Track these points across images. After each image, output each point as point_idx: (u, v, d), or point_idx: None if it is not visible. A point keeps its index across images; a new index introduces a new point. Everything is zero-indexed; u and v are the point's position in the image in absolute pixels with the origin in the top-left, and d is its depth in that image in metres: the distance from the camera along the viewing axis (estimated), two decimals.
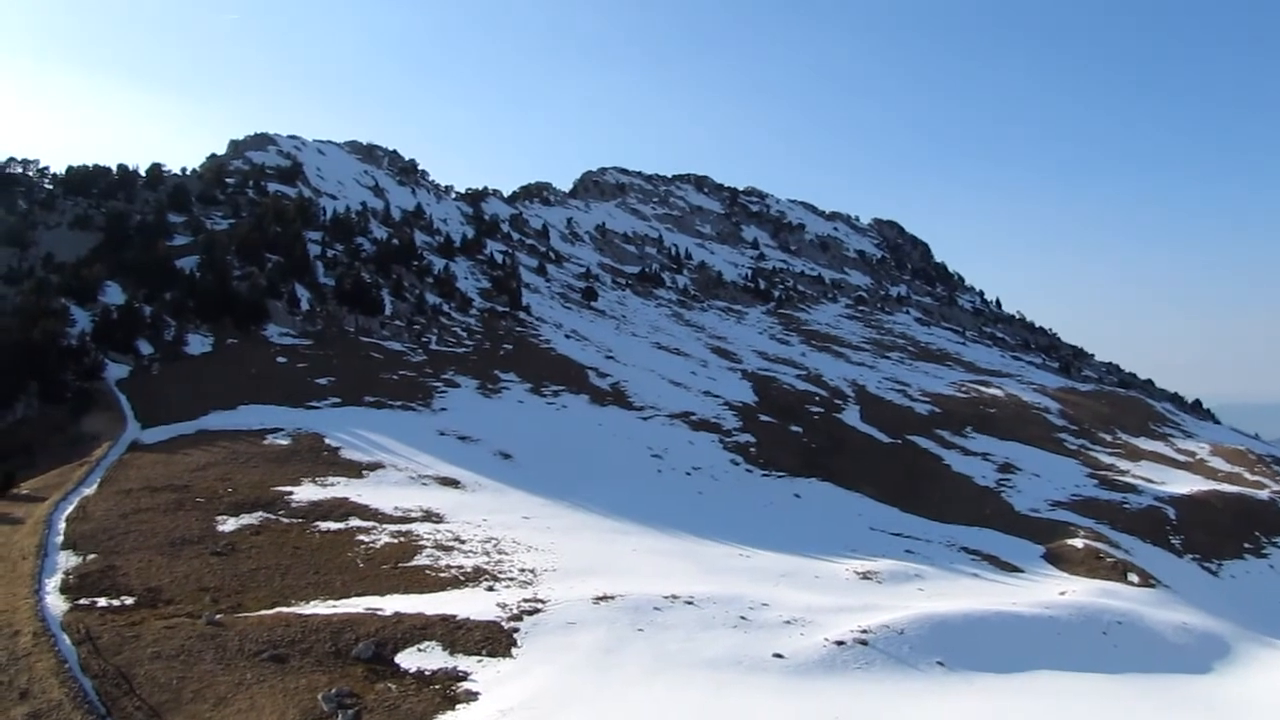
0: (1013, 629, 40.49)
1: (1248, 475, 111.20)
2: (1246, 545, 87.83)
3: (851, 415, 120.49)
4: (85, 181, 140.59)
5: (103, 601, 33.03)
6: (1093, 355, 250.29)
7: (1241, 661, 47.05)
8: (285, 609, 33.19)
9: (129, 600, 33.50)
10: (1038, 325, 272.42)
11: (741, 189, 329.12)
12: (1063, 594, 54.22)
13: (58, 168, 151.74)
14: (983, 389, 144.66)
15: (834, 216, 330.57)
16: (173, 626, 29.86)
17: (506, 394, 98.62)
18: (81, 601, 32.82)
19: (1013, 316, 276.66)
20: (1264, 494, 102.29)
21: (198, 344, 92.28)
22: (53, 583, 34.80)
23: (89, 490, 50.11)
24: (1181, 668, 43.20)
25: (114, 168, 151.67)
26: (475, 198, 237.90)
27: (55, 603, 32.43)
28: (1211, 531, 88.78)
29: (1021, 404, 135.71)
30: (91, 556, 38.40)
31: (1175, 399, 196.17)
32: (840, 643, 33.86)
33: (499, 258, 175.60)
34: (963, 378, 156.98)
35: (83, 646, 27.86)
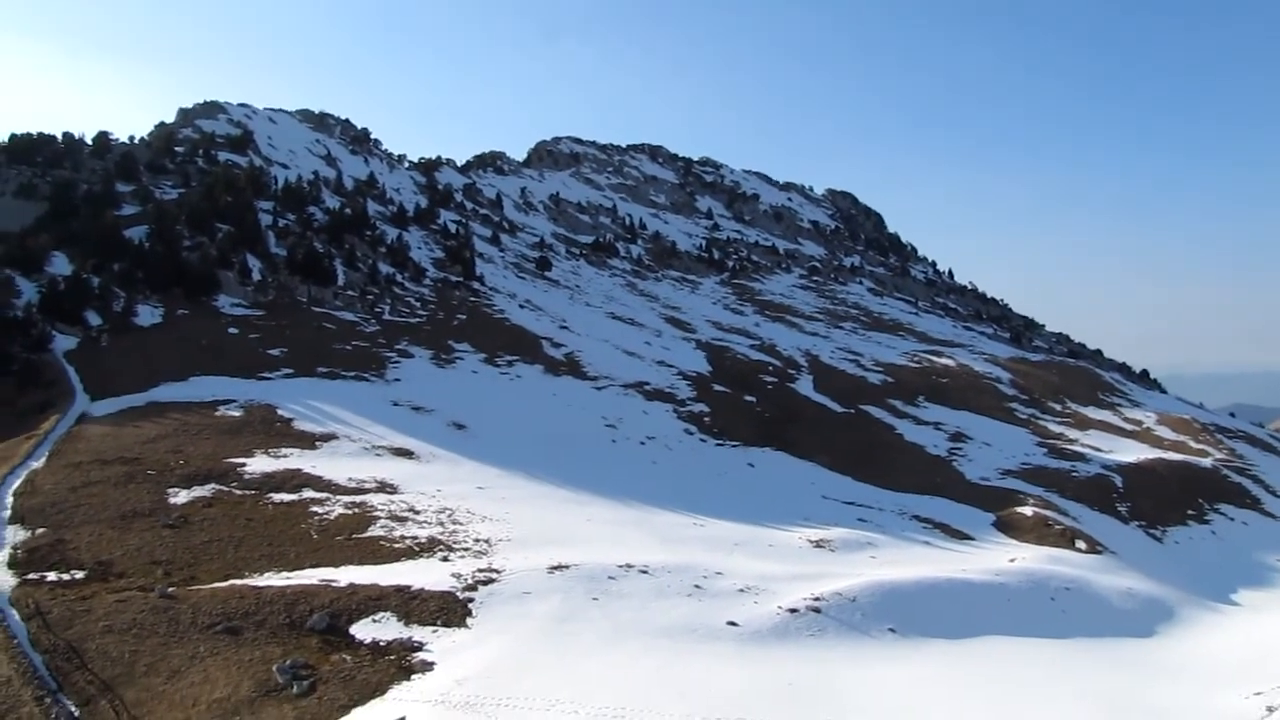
0: (963, 595, 41.17)
1: (1192, 443, 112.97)
2: (1190, 512, 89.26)
3: (805, 385, 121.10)
4: (29, 149, 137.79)
5: (52, 576, 32.78)
6: (1043, 326, 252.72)
7: (1184, 624, 48.18)
8: (238, 581, 33.09)
9: (79, 574, 33.25)
10: (989, 296, 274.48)
11: (696, 159, 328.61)
12: (1012, 561, 55.04)
13: (0, 135, 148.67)
14: (935, 359, 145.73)
15: (788, 187, 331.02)
16: (124, 600, 29.68)
17: (460, 364, 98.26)
18: (30, 576, 32.55)
19: (964, 287, 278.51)
20: (1207, 462, 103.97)
21: (147, 315, 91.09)
22: (0, 557, 34.46)
23: (37, 463, 49.53)
24: (1127, 631, 44.20)
25: (59, 136, 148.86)
26: (428, 167, 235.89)
27: (3, 578, 32.16)
28: (1157, 499, 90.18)
29: (973, 374, 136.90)
30: (40, 530, 38.04)
31: (1123, 369, 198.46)
32: (794, 610, 34.27)
33: (452, 227, 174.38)
34: (915, 348, 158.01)
35: (32, 621, 27.64)
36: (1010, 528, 73.74)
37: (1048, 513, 77.38)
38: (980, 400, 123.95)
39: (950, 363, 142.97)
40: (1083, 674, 34.72)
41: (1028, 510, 77.84)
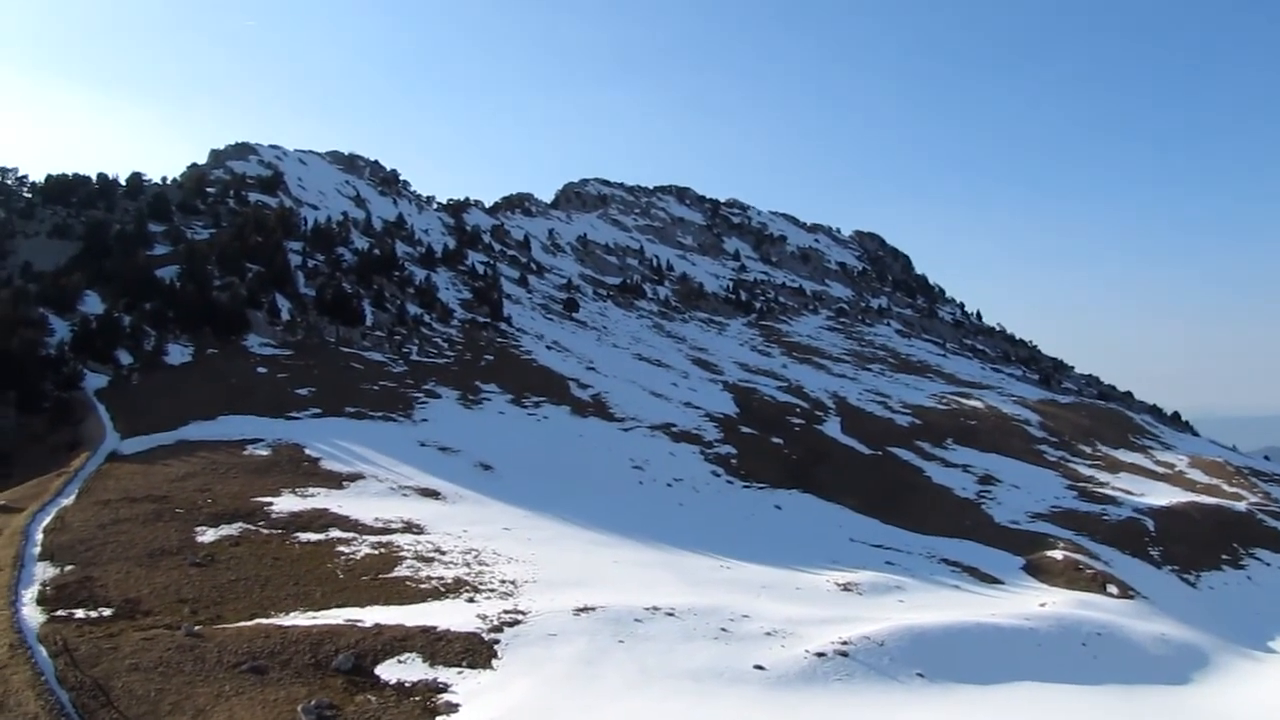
0: (992, 640, 40.66)
1: (1226, 487, 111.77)
2: (1224, 556, 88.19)
3: (832, 427, 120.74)
4: (64, 190, 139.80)
5: (80, 613, 32.83)
6: (1073, 367, 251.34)
7: (1220, 672, 47.37)
8: (264, 620, 33.06)
9: (107, 611, 33.30)
10: (1018, 337, 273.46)
11: (723, 200, 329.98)
12: (1042, 605, 54.41)
13: (37, 176, 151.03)
14: (963, 401, 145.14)
15: (815, 228, 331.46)
16: (151, 638, 29.70)
17: (487, 405, 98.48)
18: (59, 613, 32.61)
19: (993, 329, 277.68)
20: (1241, 505, 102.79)
21: (178, 354, 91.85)
22: (29, 594, 34.56)
23: (67, 501, 49.81)
24: (1160, 679, 43.48)
25: (94, 176, 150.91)
26: (457, 209, 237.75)
27: (32, 614, 32.21)
28: (1190, 543, 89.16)
29: (1002, 416, 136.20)
30: (69, 567, 38.16)
31: (1154, 411, 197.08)
32: (821, 654, 33.93)
33: (480, 268, 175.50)
34: (943, 389, 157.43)
35: (60, 658, 27.67)
36: (1040, 571, 73.01)
37: (1078, 556, 76.58)
38: (1009, 443, 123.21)
39: (979, 405, 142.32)
40: None
41: (1058, 554, 77.06)
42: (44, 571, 37.55)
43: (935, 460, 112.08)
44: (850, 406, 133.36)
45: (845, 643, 35.34)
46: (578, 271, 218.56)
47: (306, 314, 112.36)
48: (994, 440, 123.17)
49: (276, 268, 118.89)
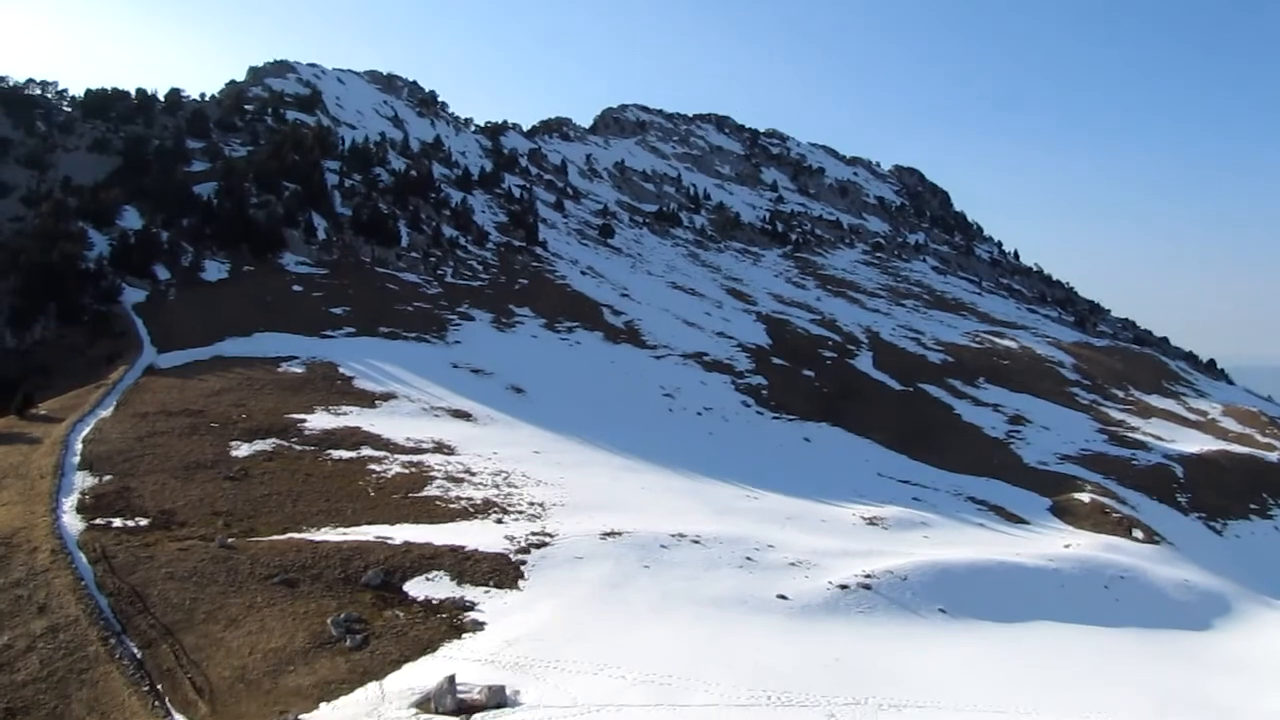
0: (1015, 579, 40.87)
1: (1259, 437, 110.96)
2: (1253, 506, 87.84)
3: (864, 361, 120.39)
4: (104, 105, 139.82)
5: (118, 522, 33.56)
6: (1109, 310, 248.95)
7: (1242, 620, 47.38)
8: (296, 535, 33.68)
9: (143, 521, 34.02)
10: (1055, 278, 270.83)
11: (762, 130, 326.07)
12: (1067, 547, 54.56)
13: (76, 90, 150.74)
14: (997, 340, 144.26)
15: (854, 161, 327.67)
16: (186, 548, 30.37)
17: (520, 329, 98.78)
18: (97, 521, 33.35)
19: (1030, 268, 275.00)
20: (1274, 456, 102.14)
21: (214, 270, 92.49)
22: (69, 502, 35.35)
23: (105, 412, 50.66)
24: (1182, 624, 43.57)
25: (133, 92, 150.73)
26: (494, 131, 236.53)
27: (72, 521, 32.97)
28: (1219, 491, 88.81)
29: (1035, 357, 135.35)
30: (107, 477, 38.93)
31: (1190, 358, 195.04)
32: (844, 586, 34.23)
33: (516, 192, 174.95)
34: (977, 328, 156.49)
35: (98, 565, 28.38)
36: (1066, 513, 72.99)
37: (1105, 500, 76.49)
38: (1041, 384, 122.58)
39: (1012, 344, 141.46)
40: (1135, 664, 34.34)
41: (1085, 496, 76.99)
42: (83, 480, 38.35)
43: (966, 398, 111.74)
44: (883, 341, 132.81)
45: (869, 575, 35.63)
46: (614, 198, 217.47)
47: (342, 233, 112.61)
48: (1026, 380, 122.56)
49: (313, 187, 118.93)
